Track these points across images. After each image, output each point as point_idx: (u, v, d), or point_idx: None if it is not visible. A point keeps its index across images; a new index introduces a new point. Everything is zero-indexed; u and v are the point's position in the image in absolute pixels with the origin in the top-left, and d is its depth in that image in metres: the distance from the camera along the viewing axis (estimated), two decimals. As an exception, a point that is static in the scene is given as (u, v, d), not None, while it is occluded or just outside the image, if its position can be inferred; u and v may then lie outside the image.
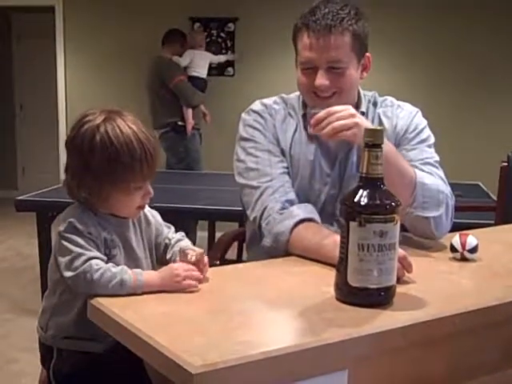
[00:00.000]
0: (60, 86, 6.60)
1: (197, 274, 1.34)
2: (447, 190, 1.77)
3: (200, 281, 1.35)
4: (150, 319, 1.18)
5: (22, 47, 7.82)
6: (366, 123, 1.64)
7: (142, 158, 1.37)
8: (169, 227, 1.57)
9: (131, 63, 6.33)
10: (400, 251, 1.36)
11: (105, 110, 1.43)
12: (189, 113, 5.31)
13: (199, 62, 5.57)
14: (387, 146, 1.66)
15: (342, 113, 1.61)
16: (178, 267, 1.34)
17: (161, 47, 5.42)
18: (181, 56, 5.46)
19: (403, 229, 1.94)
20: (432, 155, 1.84)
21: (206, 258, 1.42)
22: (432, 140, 1.88)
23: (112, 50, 6.40)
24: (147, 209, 1.52)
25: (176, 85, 5.19)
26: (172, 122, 5.26)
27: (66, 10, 6.47)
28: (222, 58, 6.02)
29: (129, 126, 1.40)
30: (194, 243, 1.64)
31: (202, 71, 5.60)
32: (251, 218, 1.80)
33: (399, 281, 1.36)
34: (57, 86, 6.62)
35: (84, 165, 1.38)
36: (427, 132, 1.88)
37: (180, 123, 5.29)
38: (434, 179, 1.75)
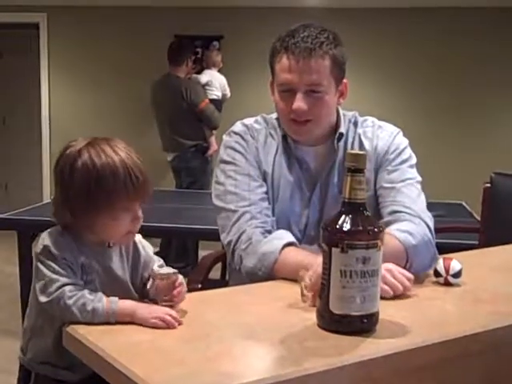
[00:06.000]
0: (44, 101, 6.58)
1: (170, 319, 1.25)
2: (431, 229, 1.71)
3: (172, 326, 1.25)
4: (127, 348, 1.15)
5: (6, 63, 7.76)
6: None
7: (127, 180, 1.32)
8: (158, 260, 1.50)
9: (115, 80, 6.31)
10: (409, 275, 1.46)
11: (92, 137, 1.38)
12: (212, 135, 5.28)
13: (216, 84, 5.55)
14: None
15: None
16: (159, 307, 1.30)
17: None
18: (195, 72, 5.41)
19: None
20: (414, 175, 1.81)
21: (180, 277, 1.38)
22: (414, 160, 1.85)
23: (96, 67, 6.38)
24: (139, 239, 1.47)
25: (203, 109, 5.13)
26: (197, 143, 5.21)
27: (51, 27, 6.46)
28: (227, 91, 5.80)
29: (114, 150, 1.34)
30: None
31: (218, 93, 5.58)
32: (225, 242, 1.75)
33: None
34: (40, 101, 6.58)
35: (66, 190, 1.34)
36: (408, 152, 1.85)
37: (205, 145, 5.25)
38: (417, 228, 1.66)
